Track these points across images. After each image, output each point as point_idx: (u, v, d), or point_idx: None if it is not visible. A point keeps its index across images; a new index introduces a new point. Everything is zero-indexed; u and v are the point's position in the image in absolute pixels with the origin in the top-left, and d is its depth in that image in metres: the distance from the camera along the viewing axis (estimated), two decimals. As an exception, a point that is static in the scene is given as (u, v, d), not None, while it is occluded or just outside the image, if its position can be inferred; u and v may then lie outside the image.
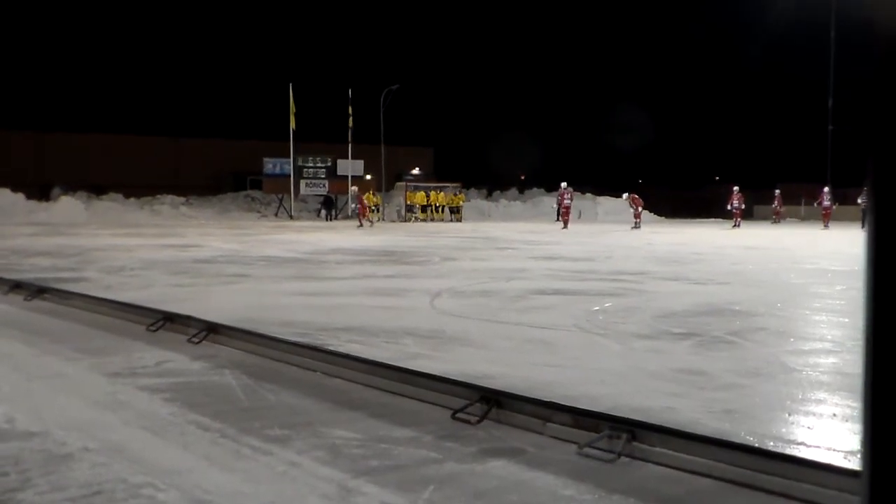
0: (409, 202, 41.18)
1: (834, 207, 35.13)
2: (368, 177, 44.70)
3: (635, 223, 31.87)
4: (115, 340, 5.94)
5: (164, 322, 6.24)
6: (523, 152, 68.93)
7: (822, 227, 32.30)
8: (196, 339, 5.72)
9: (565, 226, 30.94)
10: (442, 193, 41.87)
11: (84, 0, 77.42)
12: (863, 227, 32.02)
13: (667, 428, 3.25)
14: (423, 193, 41.65)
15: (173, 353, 5.41)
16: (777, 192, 39.03)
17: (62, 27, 75.18)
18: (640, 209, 33.14)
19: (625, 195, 35.01)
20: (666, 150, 78.39)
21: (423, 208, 41.15)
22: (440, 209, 41.17)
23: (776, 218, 38.80)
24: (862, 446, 0.86)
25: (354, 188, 37.19)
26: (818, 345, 5.90)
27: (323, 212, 42.18)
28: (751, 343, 5.84)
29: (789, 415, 3.90)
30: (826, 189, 35.00)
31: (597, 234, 26.69)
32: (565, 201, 32.33)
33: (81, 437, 3.45)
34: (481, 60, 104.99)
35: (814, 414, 3.93)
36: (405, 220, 39.73)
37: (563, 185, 32.83)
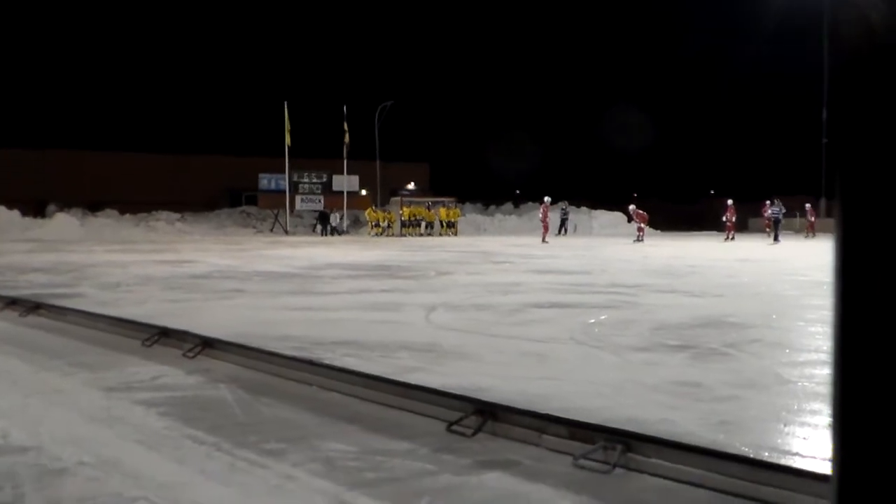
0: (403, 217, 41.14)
1: None
2: (364, 192, 44.72)
3: (638, 236, 31.76)
4: (110, 355, 5.93)
5: (160, 337, 6.24)
6: (518, 167, 69.14)
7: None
8: (191, 354, 5.72)
9: (544, 240, 30.76)
10: (442, 208, 41.82)
11: (79, 17, 77.82)
12: (775, 240, 31.41)
13: (661, 439, 3.25)
14: (408, 208, 41.44)
15: (168, 367, 5.41)
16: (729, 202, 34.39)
17: (58, 44, 75.48)
18: (643, 224, 33.02)
19: (631, 207, 34.63)
20: (661, 163, 78.66)
21: (408, 223, 40.99)
22: (429, 225, 41.01)
23: (729, 233, 33.61)
24: (832, 450, 0.87)
25: None
26: (813, 356, 5.91)
27: (318, 227, 42.21)
28: (746, 355, 5.85)
29: (785, 425, 3.91)
30: None
31: (593, 247, 26.71)
32: (548, 215, 32.40)
33: (76, 452, 3.44)
34: (475, 76, 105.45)
35: (809, 424, 3.94)
36: (402, 235, 39.70)
37: (547, 199, 33.05)
